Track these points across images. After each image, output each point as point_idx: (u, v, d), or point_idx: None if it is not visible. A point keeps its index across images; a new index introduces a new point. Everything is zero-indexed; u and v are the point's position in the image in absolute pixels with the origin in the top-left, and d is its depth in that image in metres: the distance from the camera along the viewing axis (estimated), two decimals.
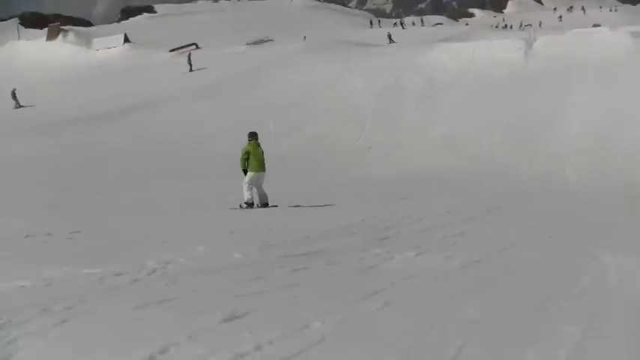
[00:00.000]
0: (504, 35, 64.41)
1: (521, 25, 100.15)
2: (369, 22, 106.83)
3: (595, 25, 71.97)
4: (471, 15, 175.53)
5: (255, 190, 15.55)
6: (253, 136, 16.08)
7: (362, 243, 9.96)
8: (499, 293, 6.79)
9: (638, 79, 33.27)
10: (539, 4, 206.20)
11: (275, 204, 15.83)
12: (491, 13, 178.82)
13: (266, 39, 65.24)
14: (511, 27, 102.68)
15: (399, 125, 33.54)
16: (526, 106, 33.04)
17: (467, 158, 28.03)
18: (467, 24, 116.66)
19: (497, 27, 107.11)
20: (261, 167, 15.64)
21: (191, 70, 51.47)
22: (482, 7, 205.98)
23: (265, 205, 15.53)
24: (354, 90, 38.85)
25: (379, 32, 77.36)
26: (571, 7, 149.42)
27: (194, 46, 62.10)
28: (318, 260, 8.49)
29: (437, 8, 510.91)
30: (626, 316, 5.89)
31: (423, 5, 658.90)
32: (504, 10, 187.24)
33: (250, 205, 15.35)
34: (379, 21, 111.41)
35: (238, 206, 15.41)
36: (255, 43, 61.76)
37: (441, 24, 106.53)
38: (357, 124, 34.14)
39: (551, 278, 7.74)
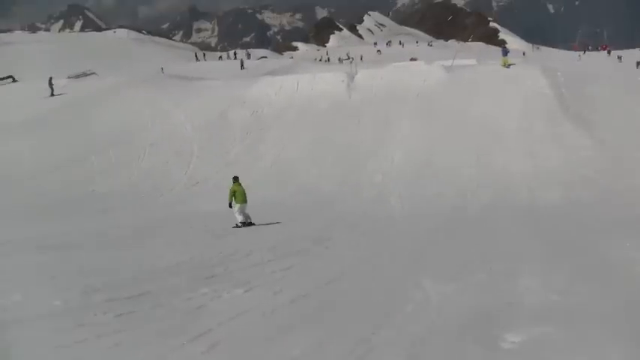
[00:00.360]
0: (327, 68, 66.41)
1: (348, 58, 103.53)
2: (194, 55, 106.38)
3: (412, 59, 75.87)
4: (295, 48, 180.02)
5: (243, 214, 20.26)
6: (236, 179, 21.16)
7: (189, 282, 9.80)
8: (326, 327, 6.87)
9: (450, 108, 35.52)
10: (360, 39, 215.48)
11: (253, 222, 20.18)
12: (314, 46, 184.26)
13: (89, 72, 63.16)
14: (339, 60, 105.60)
15: (227, 158, 33.52)
16: (351, 136, 34.15)
17: (296, 189, 28.42)
18: (291, 57, 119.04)
19: (320, 60, 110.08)
20: (244, 201, 20.32)
21: (52, 95, 48.86)
22: (305, 40, 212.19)
23: (250, 223, 20.17)
24: (180, 124, 38.40)
25: (204, 65, 77.41)
26: (390, 42, 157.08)
27: (10, 79, 58.93)
28: (143, 303, 8.25)
29: (262, 42, 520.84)
30: (446, 341, 6.12)
31: (247, 39, 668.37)
32: (327, 44, 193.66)
33: (244, 224, 20.02)
34: (204, 54, 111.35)
35: (235, 225, 19.93)
36: (78, 76, 59.52)
37: (266, 57, 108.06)
38: (184, 159, 33.72)
39: (377, 308, 7.94)
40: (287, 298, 8.52)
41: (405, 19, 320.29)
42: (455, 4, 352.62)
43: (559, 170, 27.69)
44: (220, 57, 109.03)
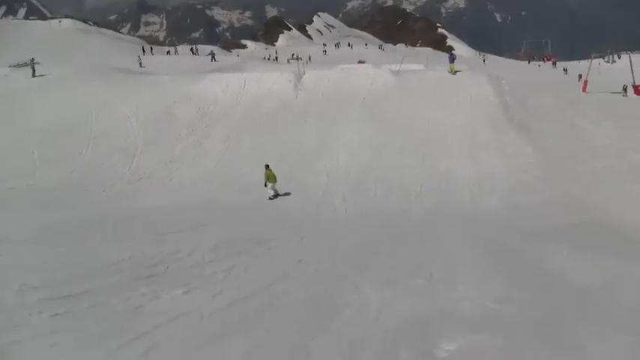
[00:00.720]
0: (275, 68, 66.29)
1: (296, 57, 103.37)
2: (141, 48, 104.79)
3: (360, 62, 76.29)
4: (244, 46, 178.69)
5: (273, 190, 26.95)
6: (267, 166, 27.19)
7: (129, 281, 9.64)
8: (263, 331, 6.85)
9: (397, 112, 35.85)
10: (309, 39, 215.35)
11: (280, 194, 26.98)
12: (263, 45, 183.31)
13: (32, 62, 61.70)
14: (288, 60, 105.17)
15: (171, 155, 33.16)
16: (297, 136, 34.19)
17: (240, 188, 28.24)
18: (237, 55, 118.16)
19: (268, 59, 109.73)
20: (275, 181, 26.86)
21: (34, 76, 49.21)
22: (254, 39, 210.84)
23: (278, 195, 27.06)
24: (125, 118, 37.85)
25: (152, 59, 76.41)
26: (338, 43, 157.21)
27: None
28: (81, 303, 8.09)
29: (210, 38, 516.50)
30: (383, 346, 6.16)
31: (196, 34, 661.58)
32: (276, 43, 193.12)
33: (275, 196, 26.80)
34: (152, 48, 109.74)
35: (269, 198, 26.53)
36: (20, 65, 58.05)
37: (214, 54, 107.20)
38: (127, 154, 33.23)
39: (315, 312, 7.94)
40: (226, 300, 8.45)
41: (354, 21, 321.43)
42: (404, 9, 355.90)
43: (501, 176, 28.17)
44: (168, 52, 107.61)
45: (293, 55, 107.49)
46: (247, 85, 41.79)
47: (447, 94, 38.08)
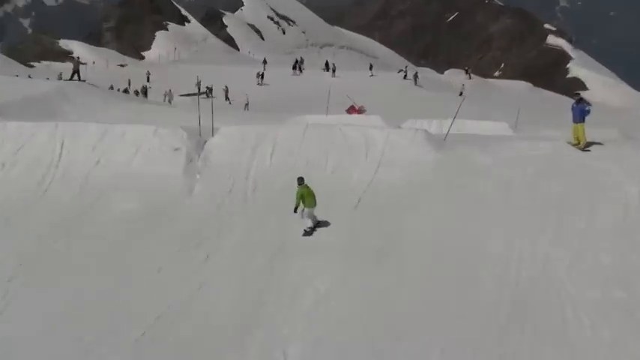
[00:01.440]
0: (143, 113, 67.17)
1: (201, 91, 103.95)
2: None
3: (353, 110, 78.28)
4: (67, 55, 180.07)
5: (312, 218, 36.51)
6: (302, 180, 36.09)
7: None
8: None
9: (439, 239, 35.43)
10: (229, 47, 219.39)
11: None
12: (116, 55, 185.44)
13: None
14: (164, 96, 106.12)
15: None
16: (187, 289, 33.75)
17: None
18: (48, 78, 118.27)
19: (126, 91, 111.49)
20: (314, 204, 35.98)
21: None
22: (95, 38, 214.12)
23: (317, 226, 36.74)
24: None
25: None
26: (301, 63, 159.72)
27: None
28: None
29: None
30: None
31: None
32: (146, 53, 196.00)
33: (313, 229, 36.19)
34: None
35: (304, 232, 36.25)
36: None
37: None
38: None
39: None
40: None
41: (344, 11, 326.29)
42: None
43: None
44: None
45: (166, 91, 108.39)
46: (68, 152, 41.79)
47: (567, 200, 37.86)
